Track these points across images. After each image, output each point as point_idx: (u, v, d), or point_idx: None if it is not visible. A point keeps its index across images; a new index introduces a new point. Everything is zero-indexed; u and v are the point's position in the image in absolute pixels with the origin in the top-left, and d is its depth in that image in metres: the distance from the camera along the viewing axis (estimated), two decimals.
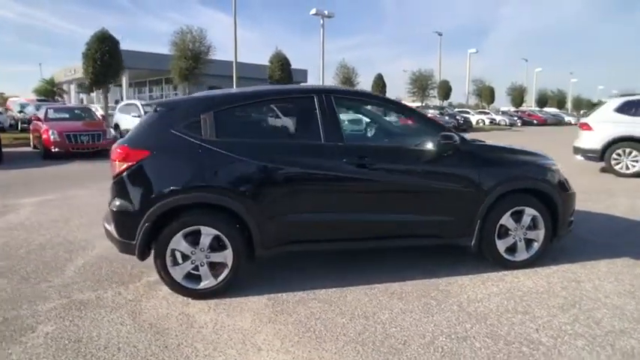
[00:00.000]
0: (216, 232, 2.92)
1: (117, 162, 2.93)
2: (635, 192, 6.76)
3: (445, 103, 39.79)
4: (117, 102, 32.62)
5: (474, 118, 32.64)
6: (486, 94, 46.63)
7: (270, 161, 2.98)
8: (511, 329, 2.57)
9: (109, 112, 17.56)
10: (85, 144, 10.62)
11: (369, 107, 3.99)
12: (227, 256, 2.96)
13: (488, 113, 37.54)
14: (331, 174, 3.05)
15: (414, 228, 3.27)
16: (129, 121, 13.62)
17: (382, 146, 3.43)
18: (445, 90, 39.98)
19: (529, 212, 3.41)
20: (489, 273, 3.39)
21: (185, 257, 2.95)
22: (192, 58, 19.82)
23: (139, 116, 13.16)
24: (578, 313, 2.75)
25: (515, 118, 36.89)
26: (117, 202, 2.96)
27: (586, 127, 8.49)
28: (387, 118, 4.54)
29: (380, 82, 34.98)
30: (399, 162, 3.18)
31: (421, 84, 38.38)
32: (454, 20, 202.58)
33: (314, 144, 3.08)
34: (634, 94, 8.22)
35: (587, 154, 8.48)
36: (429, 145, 3.15)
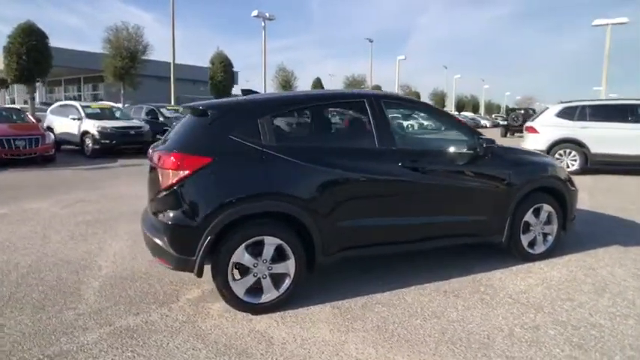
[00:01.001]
0: (279, 242, 2.79)
1: (171, 170, 2.67)
2: (585, 187, 7.73)
3: None
4: (25, 102, 28.87)
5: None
6: None
7: (332, 166, 2.93)
8: (569, 315, 2.82)
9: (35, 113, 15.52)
10: (20, 149, 9.31)
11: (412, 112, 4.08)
12: (289, 265, 2.85)
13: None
14: (389, 178, 3.09)
15: (458, 228, 3.43)
16: (65, 124, 12.15)
17: (432, 150, 3.55)
18: None
19: (546, 209, 3.77)
20: (515, 266, 3.67)
21: (245, 270, 2.79)
22: (129, 57, 18.36)
23: (79, 118, 11.87)
24: (613, 297, 3.11)
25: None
26: (172, 215, 2.69)
27: (532, 130, 9.52)
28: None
29: (319, 86, 35.58)
30: (448, 165, 3.32)
31: (355, 89, 39.79)
32: (379, 24, 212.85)
33: (371, 148, 3.09)
34: (571, 101, 9.41)
35: None
36: (474, 149, 3.35)
